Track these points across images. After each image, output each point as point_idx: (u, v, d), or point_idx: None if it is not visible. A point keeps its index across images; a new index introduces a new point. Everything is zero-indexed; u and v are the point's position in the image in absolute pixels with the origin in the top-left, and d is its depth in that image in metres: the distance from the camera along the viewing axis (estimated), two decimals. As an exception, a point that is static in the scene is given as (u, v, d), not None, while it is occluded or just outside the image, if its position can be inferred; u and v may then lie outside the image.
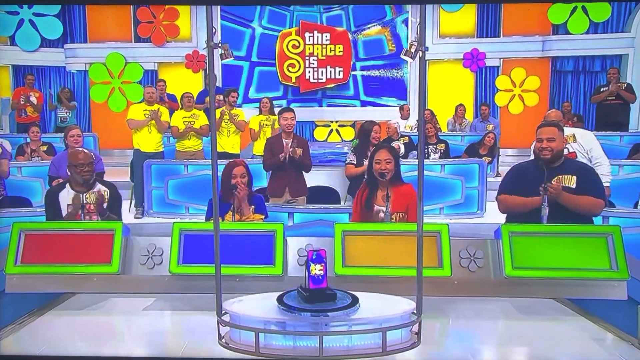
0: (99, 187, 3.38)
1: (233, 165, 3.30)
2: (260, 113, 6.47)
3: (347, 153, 5.02)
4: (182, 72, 10.10)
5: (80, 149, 3.51)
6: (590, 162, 4.02)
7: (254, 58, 10.23)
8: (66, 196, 3.30)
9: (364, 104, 10.31)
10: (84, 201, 3.20)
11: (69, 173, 3.38)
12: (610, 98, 7.36)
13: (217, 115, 6.31)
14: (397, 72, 10.24)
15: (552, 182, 2.89)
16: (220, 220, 3.06)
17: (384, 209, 3.07)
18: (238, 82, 10.10)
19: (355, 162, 4.64)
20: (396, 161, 3.20)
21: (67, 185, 3.35)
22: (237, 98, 6.61)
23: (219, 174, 3.26)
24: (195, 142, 6.33)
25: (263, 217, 3.27)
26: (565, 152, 3.89)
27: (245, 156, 6.49)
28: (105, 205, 3.24)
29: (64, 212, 3.26)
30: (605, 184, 4.10)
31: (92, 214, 3.17)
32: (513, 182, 3.10)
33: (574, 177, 2.91)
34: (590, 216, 2.97)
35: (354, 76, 10.27)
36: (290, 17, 10.15)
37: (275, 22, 10.15)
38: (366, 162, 4.47)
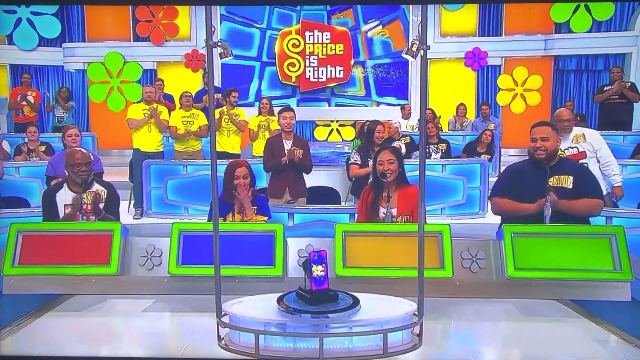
0: (97, 187, 3.38)
1: (235, 166, 3.28)
2: (260, 114, 6.47)
3: (349, 153, 5.02)
4: (181, 72, 10.10)
5: (78, 148, 3.51)
6: (599, 162, 4.03)
7: (265, 58, 10.32)
8: (63, 196, 3.31)
9: (377, 103, 10.36)
10: (82, 201, 3.20)
11: (66, 173, 3.38)
12: (613, 97, 7.36)
13: (217, 116, 6.31)
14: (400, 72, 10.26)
15: (550, 182, 2.89)
16: (221, 221, 3.07)
17: (391, 210, 3.07)
18: (250, 81, 10.22)
19: (359, 162, 4.64)
20: (400, 162, 3.19)
21: (65, 185, 3.36)
22: (237, 98, 6.61)
23: (219, 174, 3.25)
24: (194, 142, 6.33)
25: (266, 218, 3.26)
26: (575, 151, 3.90)
27: (245, 156, 6.49)
28: (101, 205, 3.24)
29: (61, 212, 3.26)
30: (617, 184, 4.11)
31: (89, 214, 3.17)
32: (508, 183, 3.11)
33: (570, 178, 2.91)
34: (590, 217, 2.97)
35: (365, 76, 10.29)
36: (297, 18, 10.19)
37: (284, 23, 10.23)
38: (371, 164, 4.48)
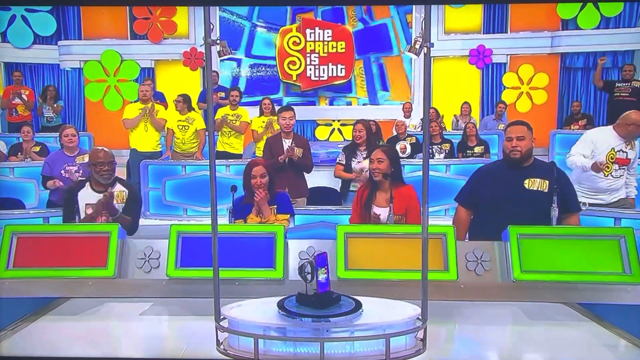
0: (118, 187, 3.38)
1: (253, 165, 3.28)
2: (262, 114, 6.49)
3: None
4: (179, 70, 10.11)
5: (100, 147, 3.52)
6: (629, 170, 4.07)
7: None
8: (84, 196, 3.31)
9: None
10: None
11: (62, 173, 3.38)
12: (623, 94, 7.36)
13: (217, 115, 6.34)
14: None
15: (524, 184, 2.90)
16: (242, 222, 3.07)
17: (384, 210, 3.08)
18: (277, 81, 10.34)
19: (343, 162, 4.65)
20: (392, 162, 3.20)
21: (87, 184, 3.36)
22: (238, 97, 6.61)
23: (218, 174, 3.25)
24: (191, 144, 6.34)
25: (288, 216, 3.24)
26: (624, 156, 3.96)
27: (247, 156, 6.51)
28: (116, 204, 3.24)
29: (82, 212, 3.26)
30: (633, 196, 4.13)
31: (104, 215, 3.17)
32: (478, 185, 3.11)
33: (547, 182, 2.90)
34: None
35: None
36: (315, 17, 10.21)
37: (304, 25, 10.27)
38: (355, 167, 4.51)
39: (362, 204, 3.23)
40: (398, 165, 3.24)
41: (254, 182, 3.19)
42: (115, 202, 3.28)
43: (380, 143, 6.07)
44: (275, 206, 3.25)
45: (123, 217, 3.23)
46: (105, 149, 3.46)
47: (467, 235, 3.08)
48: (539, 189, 2.90)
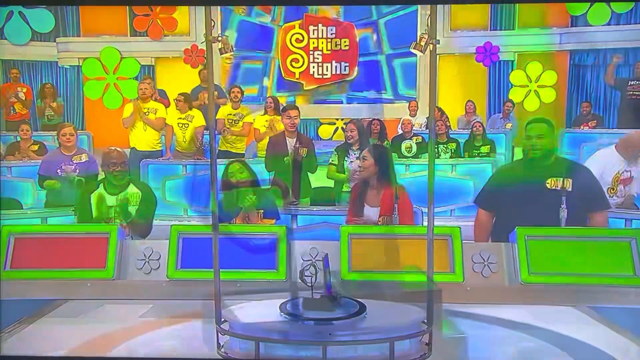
0: (131, 188, 3.38)
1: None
2: (266, 113, 6.48)
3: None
4: (180, 68, 10.11)
5: (113, 147, 3.53)
6: None
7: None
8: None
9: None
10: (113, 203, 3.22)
11: (58, 172, 3.37)
12: (637, 93, 7.33)
13: (219, 115, 6.35)
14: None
15: (546, 184, 2.88)
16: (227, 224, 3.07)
17: (374, 210, 3.13)
18: None
19: (336, 163, 4.66)
20: (377, 161, 3.22)
21: (101, 185, 3.37)
22: (238, 94, 6.59)
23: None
24: (191, 144, 6.35)
25: (274, 221, 3.24)
26: (628, 175, 3.95)
27: (248, 156, 6.51)
28: (129, 207, 3.24)
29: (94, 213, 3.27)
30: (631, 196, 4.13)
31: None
32: (496, 186, 3.09)
33: (570, 180, 2.87)
34: None
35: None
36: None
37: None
38: (348, 167, 4.53)
39: (355, 199, 3.29)
40: (387, 165, 3.26)
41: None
42: (128, 204, 3.28)
43: (386, 143, 6.06)
44: (262, 211, 3.25)
45: (135, 222, 3.23)
46: (118, 148, 3.48)
47: (490, 238, 3.05)
48: (564, 187, 2.87)
